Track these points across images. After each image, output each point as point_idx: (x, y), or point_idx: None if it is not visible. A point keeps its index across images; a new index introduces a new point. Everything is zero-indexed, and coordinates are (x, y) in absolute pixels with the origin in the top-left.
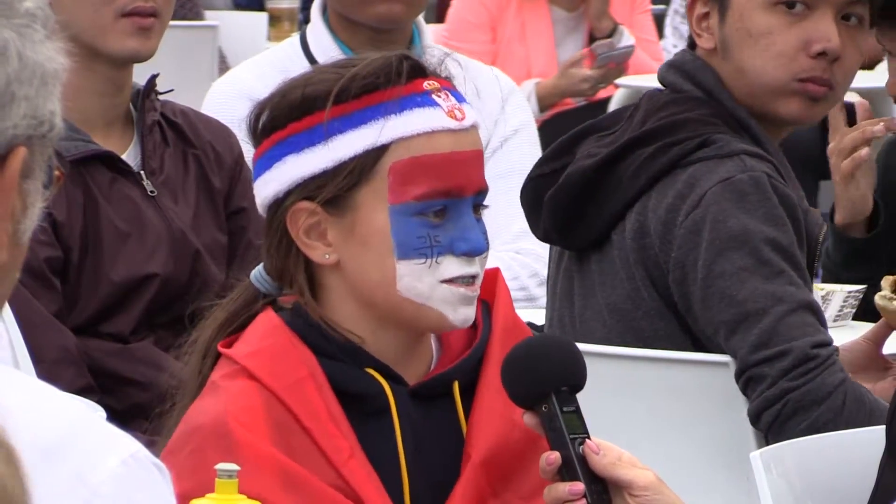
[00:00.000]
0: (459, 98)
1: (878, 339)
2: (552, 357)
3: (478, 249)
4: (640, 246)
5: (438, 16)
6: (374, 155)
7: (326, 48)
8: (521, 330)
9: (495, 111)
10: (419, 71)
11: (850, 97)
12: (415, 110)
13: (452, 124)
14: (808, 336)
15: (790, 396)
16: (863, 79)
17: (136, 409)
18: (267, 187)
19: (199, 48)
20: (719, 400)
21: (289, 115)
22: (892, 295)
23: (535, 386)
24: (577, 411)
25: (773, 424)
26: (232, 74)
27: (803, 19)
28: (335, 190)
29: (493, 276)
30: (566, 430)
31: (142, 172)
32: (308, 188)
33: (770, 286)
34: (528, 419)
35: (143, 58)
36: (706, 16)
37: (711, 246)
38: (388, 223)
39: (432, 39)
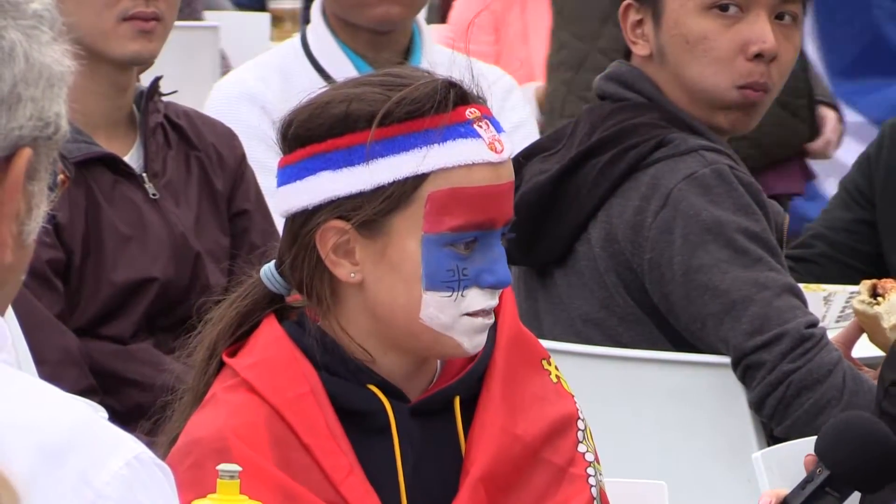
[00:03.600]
0: (498, 127)
1: (849, 342)
2: (865, 450)
3: (503, 282)
4: (609, 253)
5: (441, 16)
6: (414, 182)
7: (328, 49)
8: (526, 341)
9: (496, 108)
10: (463, 98)
11: None
12: (458, 141)
13: (493, 157)
14: (798, 318)
15: (792, 378)
16: None
17: (138, 409)
18: (296, 197)
19: (200, 49)
20: (721, 401)
21: (329, 130)
22: (871, 300)
23: (834, 451)
24: (835, 500)
25: (777, 408)
26: (234, 76)
27: (738, 22)
28: (371, 213)
29: None
30: (805, 499)
31: (144, 175)
32: (342, 207)
33: (751, 274)
34: (809, 459)
35: (145, 61)
36: (640, 23)
37: (686, 242)
38: (420, 251)
39: (433, 40)
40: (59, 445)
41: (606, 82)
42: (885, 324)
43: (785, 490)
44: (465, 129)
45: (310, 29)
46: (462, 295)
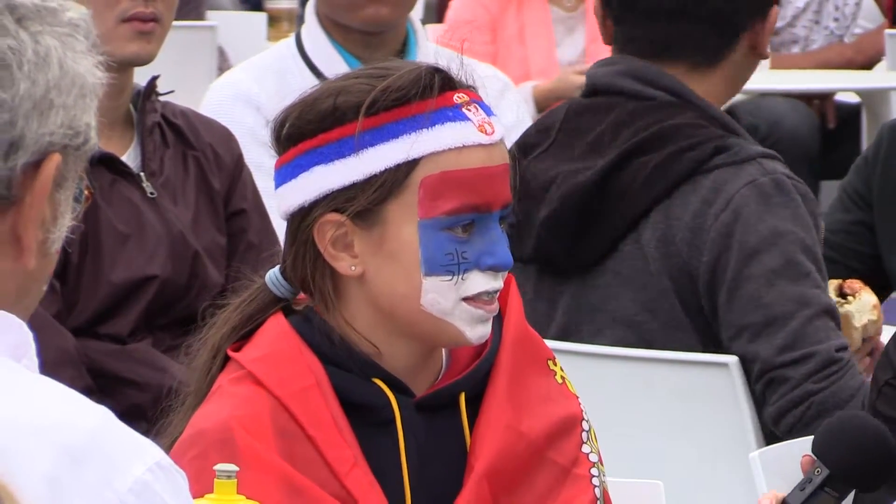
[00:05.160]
0: (487, 111)
1: None
2: (863, 449)
3: (504, 264)
4: (663, 254)
5: (438, 16)
6: (405, 169)
7: (322, 49)
8: (532, 341)
9: (492, 107)
10: (449, 83)
11: (849, 97)
12: (446, 125)
13: (483, 139)
14: (831, 340)
15: (814, 399)
16: (863, 79)
17: (135, 410)
18: (292, 196)
19: (197, 48)
20: (720, 400)
21: (319, 125)
22: (840, 299)
23: (832, 451)
24: (834, 499)
25: (795, 426)
26: (229, 77)
27: None
28: (365, 203)
29: (506, 284)
30: (804, 499)
31: (142, 174)
32: (337, 200)
33: (797, 289)
34: (806, 460)
35: (143, 62)
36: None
37: (742, 249)
38: (417, 237)
39: (428, 39)
40: (82, 448)
41: (622, 78)
42: (857, 322)
43: (783, 493)
44: (453, 113)
45: (304, 29)
46: (462, 278)
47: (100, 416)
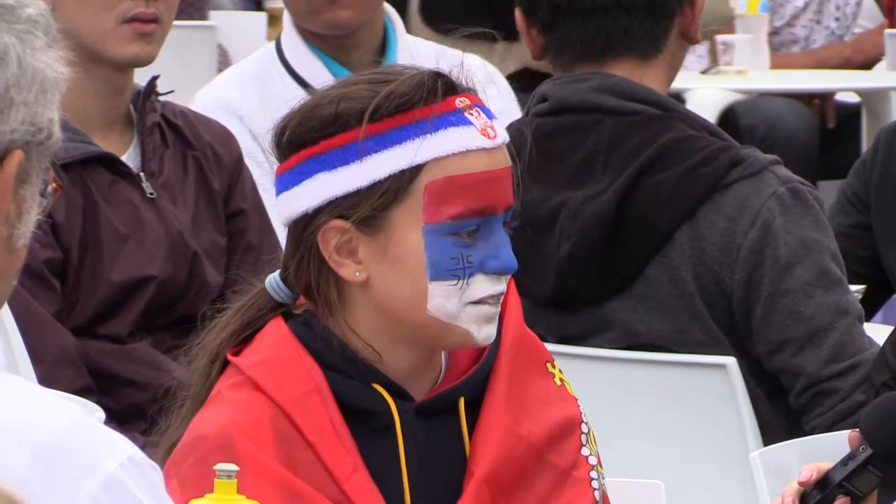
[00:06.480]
0: (489, 114)
1: None
2: None
3: (509, 268)
4: (694, 276)
5: None
6: (409, 175)
7: (300, 54)
8: (531, 344)
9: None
10: (451, 88)
11: (849, 97)
12: (449, 129)
13: (486, 143)
14: (866, 347)
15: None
16: (863, 79)
17: (134, 409)
18: (294, 203)
19: (197, 48)
20: (719, 401)
21: (321, 131)
22: None
23: (878, 430)
24: (876, 478)
25: None
26: (212, 87)
27: None
28: (369, 210)
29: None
30: (847, 475)
31: (141, 174)
32: (341, 207)
33: (832, 298)
34: (853, 435)
35: (143, 63)
36: None
37: (776, 264)
38: (422, 243)
39: (419, 35)
40: (52, 449)
41: (593, 94)
42: None
43: (827, 464)
44: (455, 118)
45: (283, 35)
46: (467, 283)
47: (69, 416)
